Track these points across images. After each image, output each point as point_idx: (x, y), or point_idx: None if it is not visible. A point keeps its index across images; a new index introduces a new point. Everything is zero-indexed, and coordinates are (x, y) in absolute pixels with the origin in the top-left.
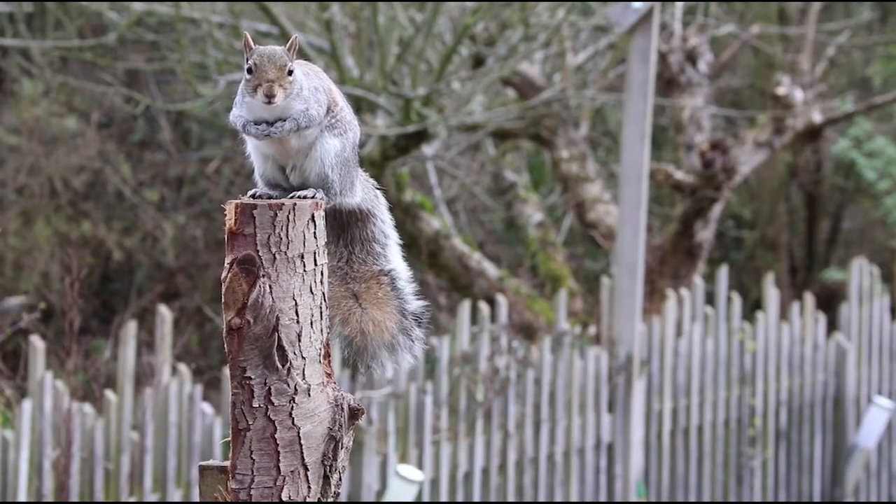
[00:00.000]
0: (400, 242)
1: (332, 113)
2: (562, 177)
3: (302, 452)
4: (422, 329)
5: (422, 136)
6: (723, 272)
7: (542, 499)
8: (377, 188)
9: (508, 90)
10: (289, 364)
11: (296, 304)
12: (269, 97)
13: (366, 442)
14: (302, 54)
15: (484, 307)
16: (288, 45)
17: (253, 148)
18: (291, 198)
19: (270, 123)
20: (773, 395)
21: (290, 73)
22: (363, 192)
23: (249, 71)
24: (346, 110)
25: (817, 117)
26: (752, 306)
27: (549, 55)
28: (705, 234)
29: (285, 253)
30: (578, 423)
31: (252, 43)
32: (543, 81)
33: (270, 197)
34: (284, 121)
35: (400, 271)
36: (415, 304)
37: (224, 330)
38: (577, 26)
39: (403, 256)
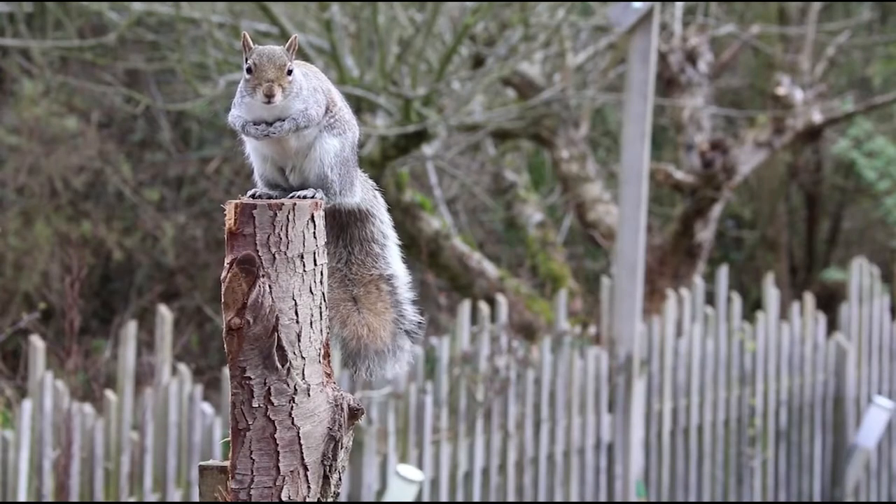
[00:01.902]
0: (399, 243)
1: (330, 113)
2: (562, 177)
3: (301, 452)
4: (414, 342)
5: (422, 136)
6: (723, 272)
7: (542, 499)
8: (376, 188)
9: (508, 90)
10: (288, 364)
11: (295, 304)
12: (269, 97)
13: (366, 442)
14: (302, 54)
15: (484, 307)
16: (287, 44)
17: (252, 148)
18: (291, 198)
19: (269, 123)
20: (773, 395)
21: (290, 72)
22: (362, 192)
23: (249, 71)
24: (344, 110)
25: (817, 117)
26: (752, 306)
27: (549, 55)
28: (705, 234)
29: (285, 253)
30: (578, 423)
31: (251, 43)
32: (543, 81)
33: (270, 197)
34: (283, 121)
35: (399, 276)
36: (411, 317)
37: (224, 330)
38: (577, 26)
39: (403, 257)
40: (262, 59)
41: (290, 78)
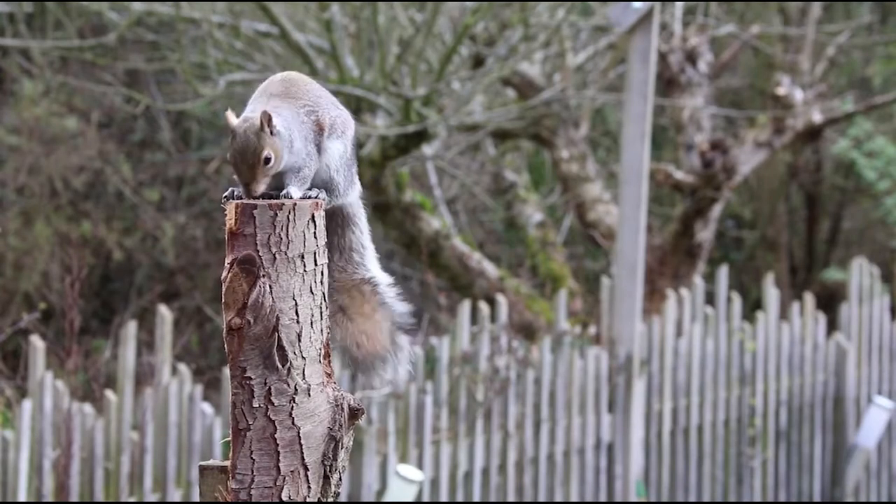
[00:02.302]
0: (377, 256)
1: (330, 122)
2: (562, 177)
3: (302, 452)
4: (412, 335)
5: (422, 136)
6: (723, 272)
7: (542, 499)
8: (361, 195)
9: (508, 90)
10: (289, 364)
11: (296, 304)
12: (249, 195)
13: (366, 442)
14: (302, 54)
15: (484, 307)
16: (260, 124)
17: None
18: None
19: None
20: (773, 395)
21: (267, 161)
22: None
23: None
24: (337, 113)
25: (817, 117)
26: (752, 306)
27: (549, 55)
28: (705, 234)
29: (285, 253)
30: (578, 423)
31: (233, 121)
32: (543, 81)
33: (271, 197)
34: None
35: (380, 277)
36: (402, 311)
37: (224, 330)
38: (577, 26)
39: (405, 255)
40: (237, 157)
41: (268, 166)
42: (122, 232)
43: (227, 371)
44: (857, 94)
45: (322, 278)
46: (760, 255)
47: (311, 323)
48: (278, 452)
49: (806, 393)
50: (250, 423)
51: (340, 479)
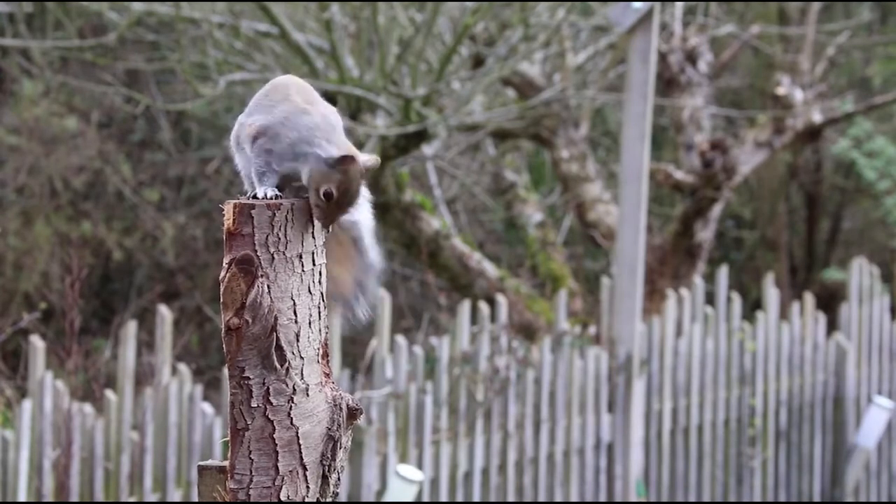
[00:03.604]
0: (370, 198)
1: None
2: (562, 177)
3: (300, 452)
4: (377, 285)
5: (422, 136)
6: (723, 272)
7: (542, 499)
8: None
9: (508, 90)
10: (287, 364)
11: (294, 303)
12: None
13: (366, 442)
14: (302, 54)
15: (484, 307)
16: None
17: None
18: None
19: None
20: (773, 395)
21: None
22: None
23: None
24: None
25: (817, 117)
26: (752, 306)
27: (549, 55)
28: (705, 234)
29: (283, 253)
30: (578, 423)
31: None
32: (543, 81)
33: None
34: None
35: (364, 223)
36: (373, 259)
37: (223, 330)
38: (577, 26)
39: (405, 255)
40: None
41: None
42: (122, 232)
43: (226, 371)
44: (857, 94)
45: (321, 278)
46: (760, 255)
47: (310, 323)
48: (277, 452)
49: (806, 393)
50: (249, 422)
51: (339, 479)
